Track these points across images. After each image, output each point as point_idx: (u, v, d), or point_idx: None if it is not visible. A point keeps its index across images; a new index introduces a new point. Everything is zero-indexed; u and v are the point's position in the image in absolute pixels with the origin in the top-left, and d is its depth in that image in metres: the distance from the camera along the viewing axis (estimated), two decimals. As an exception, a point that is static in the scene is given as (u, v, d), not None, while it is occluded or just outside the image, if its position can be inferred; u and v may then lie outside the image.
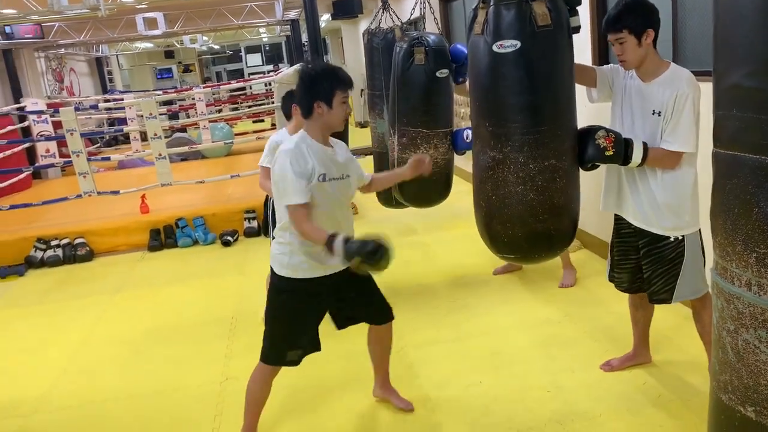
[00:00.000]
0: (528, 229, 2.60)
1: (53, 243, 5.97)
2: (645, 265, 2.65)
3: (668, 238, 2.55)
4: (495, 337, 3.51)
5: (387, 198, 4.60)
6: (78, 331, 4.25)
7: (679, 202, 2.50)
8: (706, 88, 2.49)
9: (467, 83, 4.16)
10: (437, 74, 3.67)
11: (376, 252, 2.15)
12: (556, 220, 2.60)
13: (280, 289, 2.52)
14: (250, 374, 3.33)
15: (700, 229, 2.58)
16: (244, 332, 3.92)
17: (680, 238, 2.54)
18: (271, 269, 2.54)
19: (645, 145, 2.45)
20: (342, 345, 3.46)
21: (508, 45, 2.39)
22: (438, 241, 5.37)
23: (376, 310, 2.74)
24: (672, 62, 2.51)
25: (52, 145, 9.42)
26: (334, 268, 2.48)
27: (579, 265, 4.32)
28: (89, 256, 5.94)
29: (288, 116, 3.55)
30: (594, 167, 2.62)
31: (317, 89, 2.34)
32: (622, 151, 2.45)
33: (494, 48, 2.43)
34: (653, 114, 2.46)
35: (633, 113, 2.56)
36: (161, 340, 3.97)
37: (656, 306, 2.94)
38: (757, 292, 1.14)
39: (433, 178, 3.81)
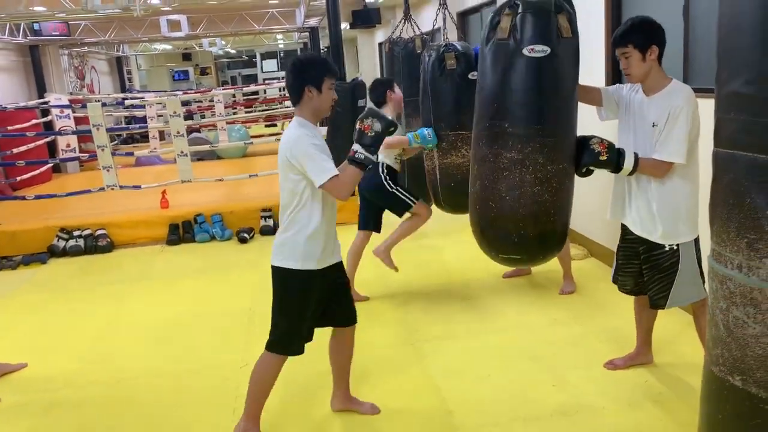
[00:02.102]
0: (540, 228, 2.74)
1: (75, 233, 6.16)
2: (645, 270, 2.82)
3: (663, 246, 2.71)
4: (504, 334, 3.66)
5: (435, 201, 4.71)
6: (102, 316, 4.43)
7: (673, 212, 2.67)
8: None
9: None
10: (469, 76, 3.83)
11: (365, 112, 2.55)
12: (559, 220, 2.78)
13: (293, 279, 2.57)
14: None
15: (697, 239, 2.73)
16: (261, 323, 4.03)
17: (675, 247, 2.70)
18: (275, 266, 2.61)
19: (636, 155, 2.64)
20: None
21: (539, 50, 2.53)
22: (449, 245, 5.52)
23: (347, 311, 2.79)
24: (674, 78, 2.68)
25: (73, 140, 9.68)
26: (336, 256, 2.65)
27: (585, 273, 4.47)
28: (109, 247, 6.14)
29: (379, 104, 4.03)
30: (588, 173, 2.79)
31: (307, 75, 2.48)
32: (614, 158, 2.63)
33: (525, 51, 2.55)
34: (652, 126, 2.64)
35: (636, 125, 2.74)
36: (183, 327, 4.14)
37: (660, 312, 3.10)
38: (747, 273, 1.30)
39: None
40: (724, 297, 1.36)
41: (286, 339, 2.64)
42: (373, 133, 2.49)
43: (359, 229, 4.26)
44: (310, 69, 2.49)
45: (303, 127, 2.52)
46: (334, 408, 2.94)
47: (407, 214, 4.19)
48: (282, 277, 2.60)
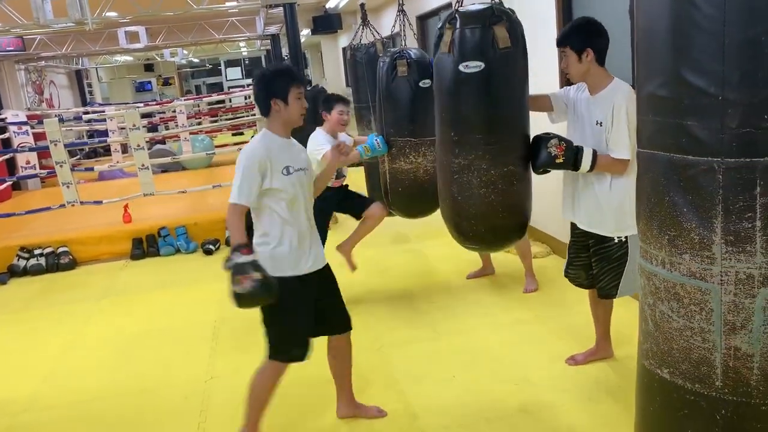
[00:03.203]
0: (490, 224, 2.89)
1: (36, 252, 6.05)
2: (594, 262, 2.91)
3: (612, 239, 2.80)
4: (468, 335, 3.70)
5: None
6: (64, 336, 4.36)
7: (620, 205, 2.74)
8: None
9: None
10: (420, 84, 3.84)
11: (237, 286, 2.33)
12: (512, 216, 2.91)
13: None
14: (233, 374, 3.52)
15: None
16: (227, 335, 4.07)
17: (623, 239, 2.78)
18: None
19: (594, 152, 2.68)
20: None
21: (473, 66, 2.61)
22: (421, 248, 5.56)
23: (342, 318, 2.81)
24: (615, 77, 2.75)
25: (33, 157, 9.49)
26: (314, 264, 2.63)
27: (547, 270, 4.54)
28: (72, 265, 6.03)
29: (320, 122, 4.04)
30: (545, 172, 2.84)
31: (272, 87, 2.49)
32: (571, 159, 2.68)
33: (460, 67, 2.64)
34: (596, 124, 2.72)
35: (583, 123, 2.81)
36: (146, 342, 4.09)
37: (617, 305, 3.17)
38: (669, 269, 1.35)
39: (423, 187, 3.97)
40: (650, 293, 1.40)
41: (283, 341, 2.62)
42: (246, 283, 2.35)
43: None
44: (274, 81, 2.50)
45: (262, 139, 2.55)
46: (340, 415, 2.94)
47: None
48: None
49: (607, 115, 2.64)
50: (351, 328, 2.82)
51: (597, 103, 2.72)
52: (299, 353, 2.61)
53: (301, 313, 2.61)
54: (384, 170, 4.15)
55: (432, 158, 4.05)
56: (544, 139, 2.74)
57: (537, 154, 2.75)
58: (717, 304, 1.28)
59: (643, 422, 1.48)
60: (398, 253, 5.50)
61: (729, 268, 1.25)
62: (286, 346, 2.61)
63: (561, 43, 2.71)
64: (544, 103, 2.98)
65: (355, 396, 2.98)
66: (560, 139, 2.72)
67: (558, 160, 2.69)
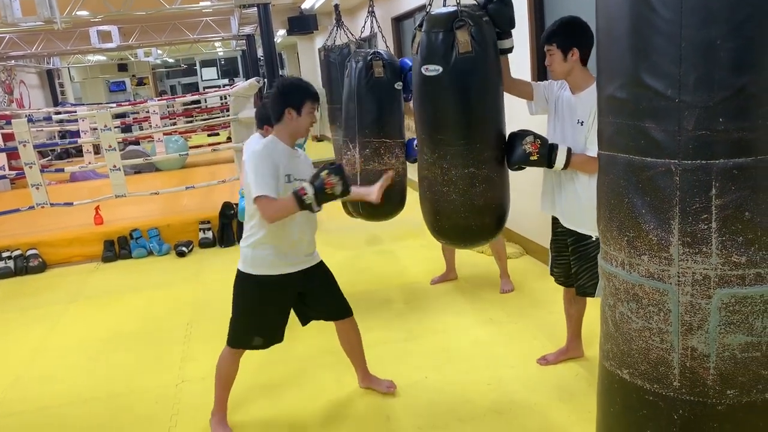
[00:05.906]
0: (452, 222, 2.94)
1: (4, 255, 5.93)
2: (573, 261, 2.91)
3: (591, 237, 2.80)
4: (442, 336, 3.71)
5: (352, 207, 4.72)
6: (32, 340, 4.27)
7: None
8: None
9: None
10: (395, 86, 3.88)
11: (335, 168, 2.58)
12: (476, 217, 2.91)
13: (246, 282, 2.73)
14: (205, 377, 3.48)
15: None
16: (199, 338, 4.02)
17: None
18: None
19: (569, 150, 2.70)
20: (299, 343, 3.62)
21: (432, 69, 2.65)
22: (395, 249, 5.57)
23: (334, 307, 2.97)
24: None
25: (2, 158, 9.28)
26: (298, 265, 2.75)
27: (521, 271, 4.56)
28: (42, 268, 5.92)
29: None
30: (520, 168, 2.85)
31: (289, 98, 2.63)
32: (546, 157, 2.70)
33: (422, 70, 2.70)
34: (578, 123, 2.73)
35: (564, 122, 2.82)
36: (117, 346, 4.03)
37: (588, 305, 3.20)
38: (629, 270, 1.36)
39: (392, 189, 3.95)
40: (611, 294, 1.42)
41: (240, 335, 2.83)
42: (330, 193, 2.56)
43: None
44: (292, 92, 2.65)
45: (270, 143, 2.65)
46: (362, 386, 3.18)
47: None
48: (238, 279, 2.78)
49: (589, 114, 2.63)
50: (349, 315, 3.00)
51: (580, 102, 2.71)
52: (257, 344, 2.81)
53: (271, 310, 2.78)
54: (355, 171, 4.06)
55: (403, 159, 4.07)
56: (519, 136, 2.77)
57: (512, 150, 2.78)
58: (674, 305, 1.29)
59: (604, 423, 1.49)
60: (372, 254, 5.51)
61: (686, 269, 1.27)
62: (244, 338, 2.81)
63: (547, 40, 2.69)
64: (524, 89, 2.96)
65: (332, 397, 3.09)
66: (536, 136, 2.73)
67: (532, 158, 2.71)
